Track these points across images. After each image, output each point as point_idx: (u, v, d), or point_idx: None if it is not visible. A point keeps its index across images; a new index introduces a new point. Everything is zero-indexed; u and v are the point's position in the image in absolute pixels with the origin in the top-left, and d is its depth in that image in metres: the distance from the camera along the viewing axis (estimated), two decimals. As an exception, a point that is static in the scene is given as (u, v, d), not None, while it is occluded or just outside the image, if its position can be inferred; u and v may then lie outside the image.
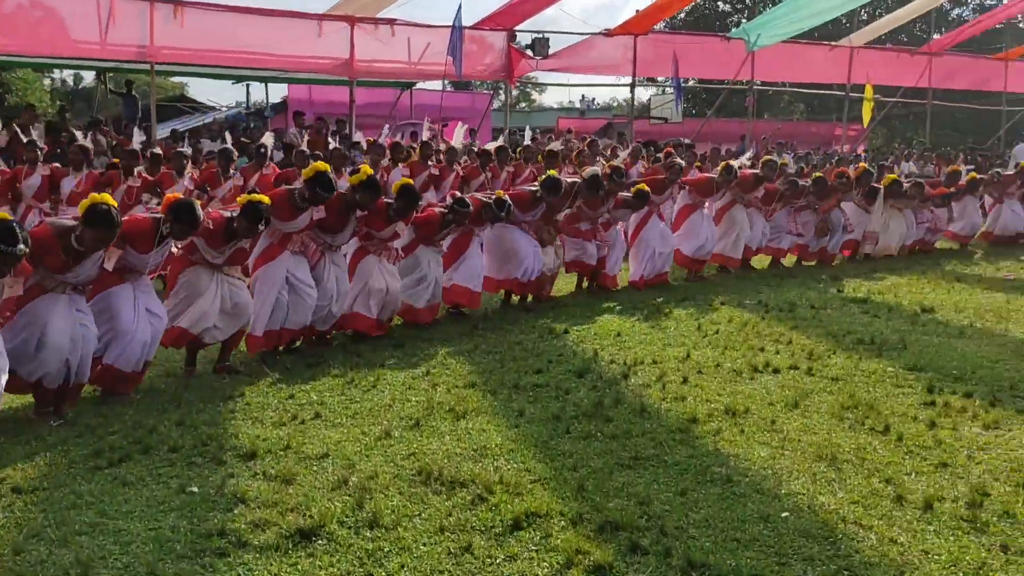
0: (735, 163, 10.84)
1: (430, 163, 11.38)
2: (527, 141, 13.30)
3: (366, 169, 7.25)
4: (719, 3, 41.02)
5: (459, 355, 6.84)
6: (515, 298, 8.94)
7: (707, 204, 10.63)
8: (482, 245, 8.73)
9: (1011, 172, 14.34)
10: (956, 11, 38.66)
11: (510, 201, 8.24)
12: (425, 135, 13.38)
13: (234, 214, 6.09)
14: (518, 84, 19.67)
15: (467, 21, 16.51)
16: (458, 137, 13.42)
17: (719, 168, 10.68)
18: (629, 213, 9.77)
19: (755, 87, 20.80)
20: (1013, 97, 24.87)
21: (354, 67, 15.83)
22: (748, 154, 13.76)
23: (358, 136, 13.19)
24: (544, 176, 8.88)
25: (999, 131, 24.90)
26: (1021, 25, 38.04)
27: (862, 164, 13.38)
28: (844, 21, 30.60)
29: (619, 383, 6.04)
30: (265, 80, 21.40)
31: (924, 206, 12.70)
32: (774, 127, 26.67)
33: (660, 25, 36.02)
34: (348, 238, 7.23)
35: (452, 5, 15.35)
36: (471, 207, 7.88)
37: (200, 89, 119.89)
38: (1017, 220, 13.81)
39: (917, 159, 20.85)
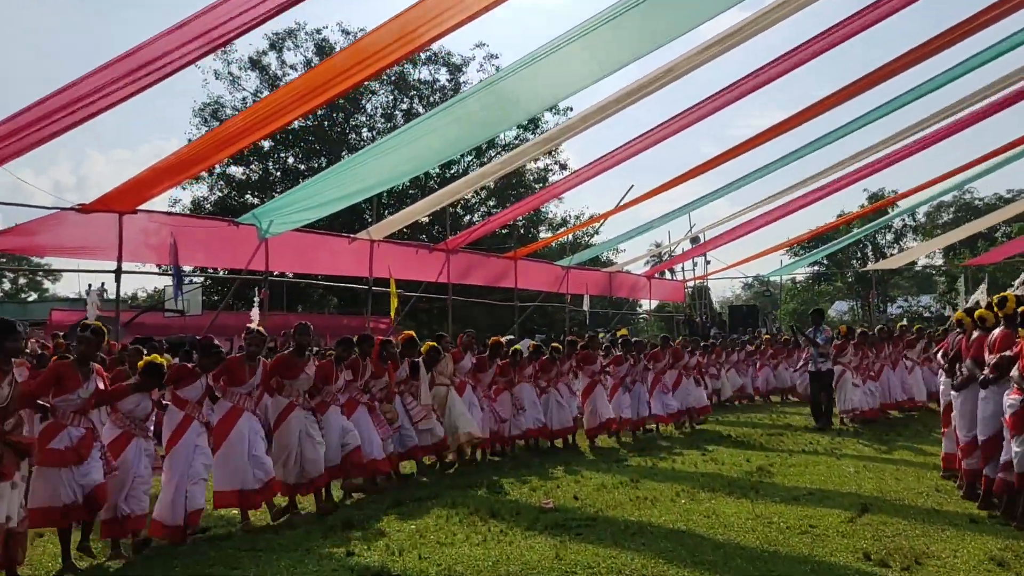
0: None
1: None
2: None
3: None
4: (247, 195, 38.83)
5: None
6: None
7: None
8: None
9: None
10: (467, 217, 40.57)
11: None
12: None
13: None
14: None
15: None
16: None
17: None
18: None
19: (269, 278, 18.05)
20: (524, 294, 25.18)
21: None
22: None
23: None
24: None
25: (513, 324, 24.91)
26: (523, 231, 40.98)
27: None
28: (368, 217, 30.13)
29: None
30: None
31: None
32: (295, 320, 24.10)
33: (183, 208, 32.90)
34: None
35: None
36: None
37: None
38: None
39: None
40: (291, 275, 33.42)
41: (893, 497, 8.32)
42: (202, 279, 29.83)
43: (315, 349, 11.57)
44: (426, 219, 39.44)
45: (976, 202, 50.34)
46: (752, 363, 21.21)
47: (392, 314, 20.37)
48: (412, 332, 11.34)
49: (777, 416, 17.04)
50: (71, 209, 14.53)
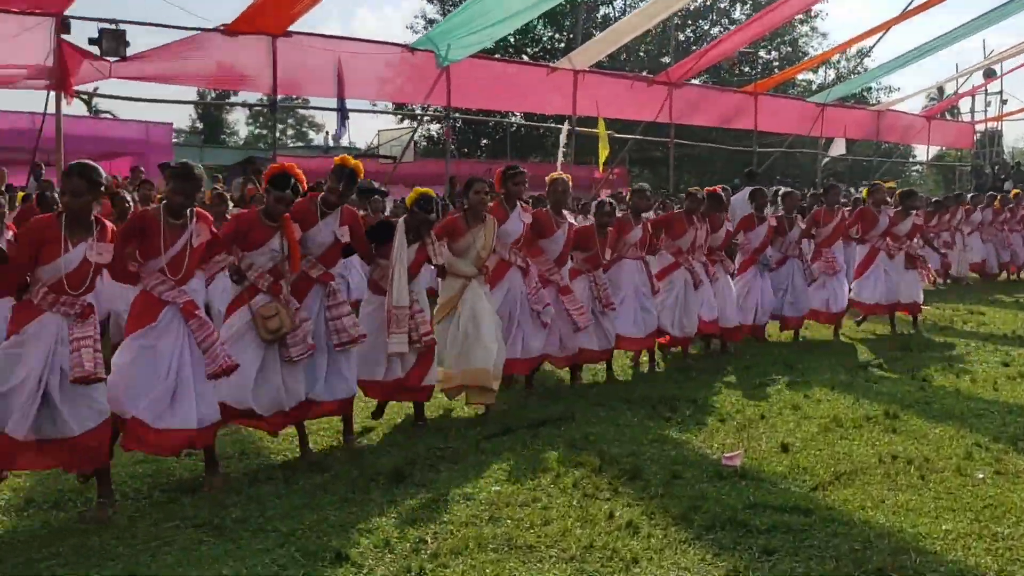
0: None
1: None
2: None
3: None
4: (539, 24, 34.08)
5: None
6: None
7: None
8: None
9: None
10: (682, 36, 34.87)
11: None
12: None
13: None
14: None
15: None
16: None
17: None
18: None
19: (453, 116, 15.12)
20: (765, 139, 20.63)
21: None
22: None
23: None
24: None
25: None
26: (765, 55, 35.08)
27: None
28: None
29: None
30: None
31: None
32: (482, 167, 21.09)
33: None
34: None
35: None
36: None
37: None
38: None
39: (658, 207, 15.89)
40: (520, 116, 30.30)
41: None
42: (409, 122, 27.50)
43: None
44: (643, 53, 34.29)
45: None
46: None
47: (600, 161, 16.87)
48: (428, 190, 5.63)
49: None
50: (215, 31, 12.21)
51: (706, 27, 35.93)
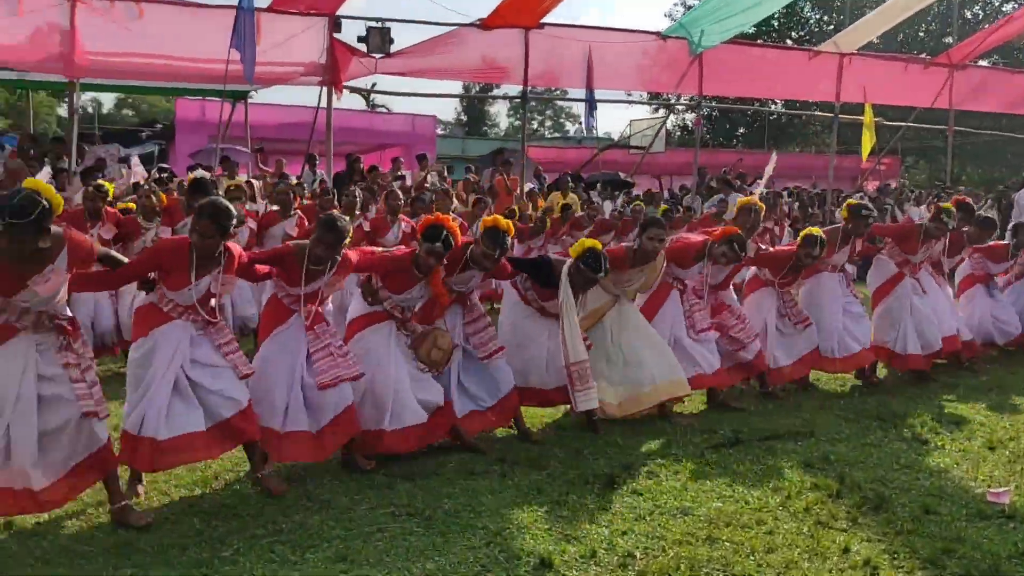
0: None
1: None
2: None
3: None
4: (806, 6, 32.82)
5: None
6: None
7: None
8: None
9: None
10: (969, 13, 31.15)
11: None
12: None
13: None
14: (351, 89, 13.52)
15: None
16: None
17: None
18: None
19: (707, 104, 14.54)
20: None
21: (76, 60, 10.14)
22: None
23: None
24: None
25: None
26: None
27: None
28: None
29: None
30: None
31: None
32: (734, 157, 20.07)
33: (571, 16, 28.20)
34: None
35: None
36: None
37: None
38: None
39: (931, 200, 14.43)
40: (780, 103, 28.71)
41: None
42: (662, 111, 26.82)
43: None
44: (923, 33, 31.00)
45: None
46: None
47: (864, 151, 15.52)
48: (596, 243, 5.15)
49: None
50: (472, 25, 12.55)
51: (997, 3, 32.14)
